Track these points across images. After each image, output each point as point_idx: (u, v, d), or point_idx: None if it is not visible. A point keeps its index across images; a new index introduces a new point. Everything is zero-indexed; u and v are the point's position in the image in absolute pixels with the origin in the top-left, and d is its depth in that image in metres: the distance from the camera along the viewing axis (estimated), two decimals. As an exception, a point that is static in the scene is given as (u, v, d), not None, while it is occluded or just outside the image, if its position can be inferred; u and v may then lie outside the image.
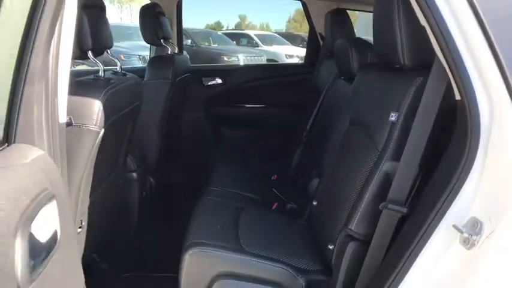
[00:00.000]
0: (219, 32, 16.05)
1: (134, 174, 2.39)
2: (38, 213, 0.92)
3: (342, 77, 2.57)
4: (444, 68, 1.19)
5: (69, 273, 1.14)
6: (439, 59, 1.20)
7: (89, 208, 1.74)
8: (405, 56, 1.43)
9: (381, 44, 1.60)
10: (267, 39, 15.06)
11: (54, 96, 1.17)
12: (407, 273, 1.25)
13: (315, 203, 1.98)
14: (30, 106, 1.10)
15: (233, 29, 22.59)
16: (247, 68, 5.07)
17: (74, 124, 1.50)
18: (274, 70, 4.51)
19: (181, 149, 3.40)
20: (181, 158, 3.42)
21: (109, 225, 2.17)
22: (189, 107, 3.54)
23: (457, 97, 1.18)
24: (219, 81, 3.83)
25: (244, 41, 15.09)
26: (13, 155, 0.99)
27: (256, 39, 14.74)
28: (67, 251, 1.10)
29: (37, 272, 0.90)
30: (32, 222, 0.89)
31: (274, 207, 2.35)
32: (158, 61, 2.98)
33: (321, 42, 3.58)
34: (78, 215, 1.63)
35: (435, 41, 1.16)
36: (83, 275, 1.29)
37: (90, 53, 1.69)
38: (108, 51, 1.89)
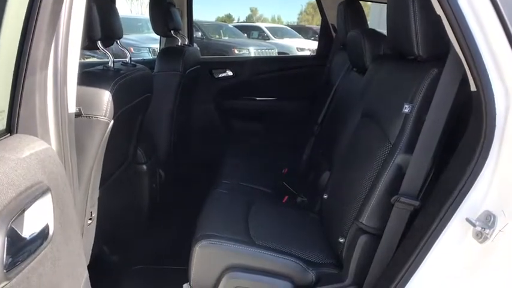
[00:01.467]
0: (230, 25, 16.02)
1: (144, 166, 2.39)
2: (26, 207, 0.89)
3: (355, 69, 2.55)
4: (460, 58, 1.16)
5: (66, 270, 1.08)
6: (454, 50, 1.18)
7: (99, 200, 1.74)
8: (420, 47, 1.40)
9: (395, 34, 1.58)
10: (278, 32, 15.00)
11: (63, 85, 1.17)
12: (419, 267, 1.24)
13: (325, 196, 1.97)
14: (32, 96, 1.09)
15: (244, 22, 22.54)
16: (258, 60, 5.04)
17: (83, 115, 1.49)
18: (285, 62, 4.49)
19: (191, 141, 3.39)
20: (192, 151, 3.42)
21: (119, 218, 2.18)
22: (199, 99, 3.52)
23: (473, 88, 1.15)
24: (230, 73, 3.83)
25: (255, 33, 15.03)
26: (10, 147, 0.97)
27: (267, 31, 14.68)
28: (64, 247, 1.07)
29: (17, 269, 0.85)
30: (14, 216, 0.85)
31: (284, 200, 2.34)
32: (168, 52, 2.97)
33: (334, 34, 3.54)
34: (88, 207, 1.63)
35: (451, 31, 1.14)
36: (85, 271, 1.26)
37: (99, 43, 1.68)
38: (118, 41, 1.88)
